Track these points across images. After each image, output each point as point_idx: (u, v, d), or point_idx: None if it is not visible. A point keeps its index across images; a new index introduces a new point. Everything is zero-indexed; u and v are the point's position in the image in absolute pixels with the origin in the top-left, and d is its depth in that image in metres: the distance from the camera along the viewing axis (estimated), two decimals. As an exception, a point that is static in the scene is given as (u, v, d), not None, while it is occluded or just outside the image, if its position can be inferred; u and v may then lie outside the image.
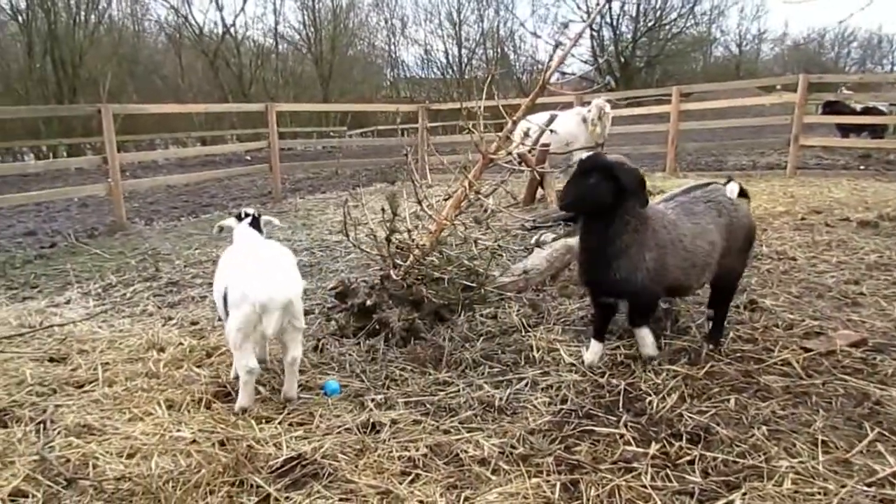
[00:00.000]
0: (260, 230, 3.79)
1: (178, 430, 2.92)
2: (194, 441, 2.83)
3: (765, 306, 4.35)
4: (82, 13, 26.17)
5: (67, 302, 5.34)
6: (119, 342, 4.14)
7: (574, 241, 5.70)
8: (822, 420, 2.87)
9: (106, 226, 9.32)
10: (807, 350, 3.59)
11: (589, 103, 10.85)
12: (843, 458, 2.59)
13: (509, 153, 4.39)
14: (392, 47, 38.55)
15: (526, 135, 4.85)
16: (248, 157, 20.21)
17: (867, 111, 14.42)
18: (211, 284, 5.63)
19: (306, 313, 4.62)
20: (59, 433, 2.91)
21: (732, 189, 3.63)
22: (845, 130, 14.84)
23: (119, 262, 6.80)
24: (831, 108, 14.40)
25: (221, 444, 2.81)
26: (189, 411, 3.14)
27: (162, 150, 23.39)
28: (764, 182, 10.61)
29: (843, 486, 2.39)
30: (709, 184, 3.79)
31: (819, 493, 2.37)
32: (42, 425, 2.99)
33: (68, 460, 2.69)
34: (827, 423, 2.85)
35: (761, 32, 47.54)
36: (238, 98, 29.20)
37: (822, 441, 2.70)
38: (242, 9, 32.98)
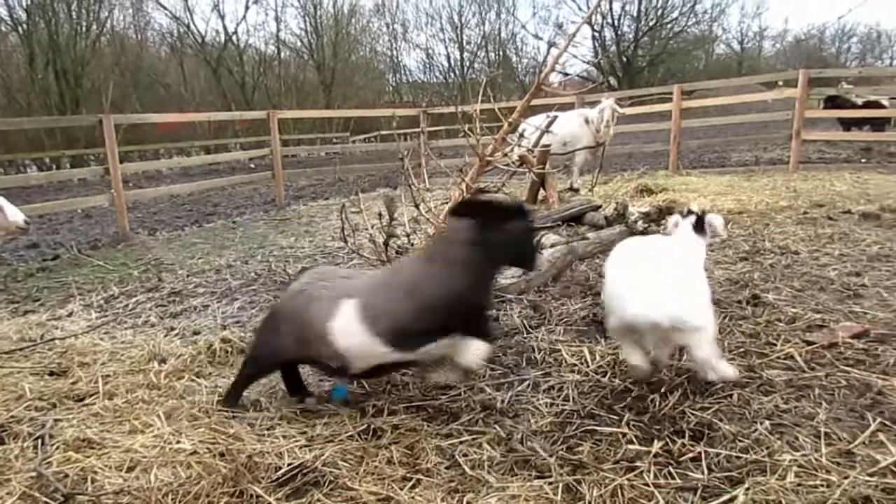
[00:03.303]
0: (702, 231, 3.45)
1: (179, 442, 2.90)
2: (194, 452, 2.82)
3: (767, 301, 4.33)
4: (84, 23, 26.29)
5: (69, 314, 5.34)
6: (120, 354, 4.13)
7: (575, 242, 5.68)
8: (825, 412, 2.84)
9: (109, 237, 9.36)
10: (809, 343, 3.57)
11: (592, 104, 10.85)
12: (845, 449, 2.56)
13: (506, 155, 4.39)
14: (394, 52, 38.73)
15: (521, 136, 4.84)
16: (252, 165, 20.29)
17: (868, 105, 14.37)
18: (213, 293, 5.69)
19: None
20: (57, 448, 2.90)
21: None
22: (847, 124, 14.79)
23: (122, 273, 6.81)
24: (832, 102, 14.38)
25: (222, 455, 2.79)
26: (190, 423, 3.14)
27: (166, 159, 23.49)
28: (767, 177, 10.59)
29: (845, 478, 2.37)
30: None
31: (822, 486, 2.34)
32: (40, 440, 2.97)
33: (66, 475, 2.68)
34: (829, 415, 2.83)
35: (762, 29, 47.89)
36: (241, 106, 29.32)
37: (825, 433, 2.67)
38: (244, 17, 33.24)
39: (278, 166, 11.87)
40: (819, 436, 2.66)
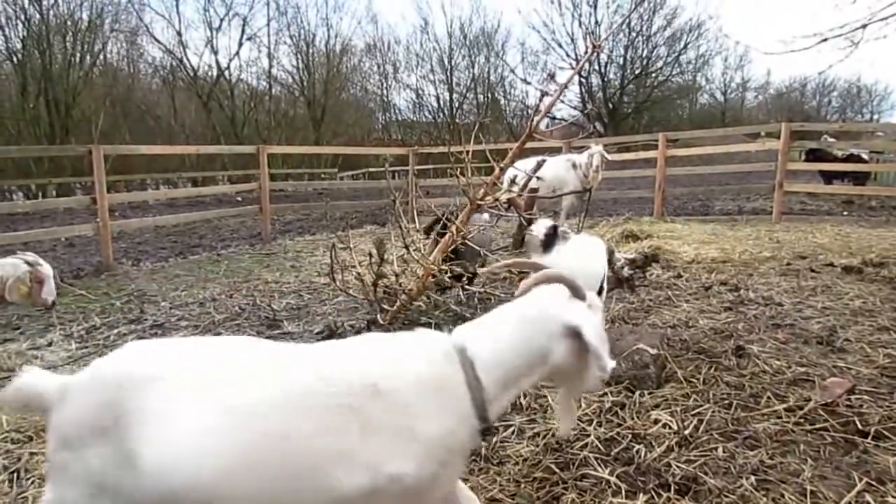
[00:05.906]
0: None
1: (157, 480, 2.84)
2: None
3: (752, 352, 4.34)
4: (77, 55, 26.42)
5: (49, 344, 5.26)
6: (100, 387, 4.05)
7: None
8: (811, 469, 2.84)
9: (92, 266, 9.26)
10: (807, 400, 3.52)
11: (579, 149, 11.02)
12: (832, 509, 2.56)
13: (496, 200, 4.43)
14: (384, 91, 39.19)
15: (513, 182, 4.91)
16: (239, 198, 20.28)
17: (850, 158, 14.69)
18: (196, 326, 5.63)
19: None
20: (32, 483, 2.84)
21: None
22: (829, 177, 15.09)
23: (104, 304, 6.73)
24: (814, 154, 14.67)
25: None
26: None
27: (153, 189, 23.40)
28: (750, 227, 10.72)
29: (832, 540, 2.35)
30: None
31: (808, 547, 2.33)
32: (15, 474, 2.91)
33: (41, 512, 2.61)
34: (815, 472, 2.82)
35: (745, 81, 48.83)
36: (230, 139, 29.36)
37: (811, 491, 2.66)
38: (237, 53, 33.29)
39: (265, 200, 11.88)
40: (805, 494, 2.65)
